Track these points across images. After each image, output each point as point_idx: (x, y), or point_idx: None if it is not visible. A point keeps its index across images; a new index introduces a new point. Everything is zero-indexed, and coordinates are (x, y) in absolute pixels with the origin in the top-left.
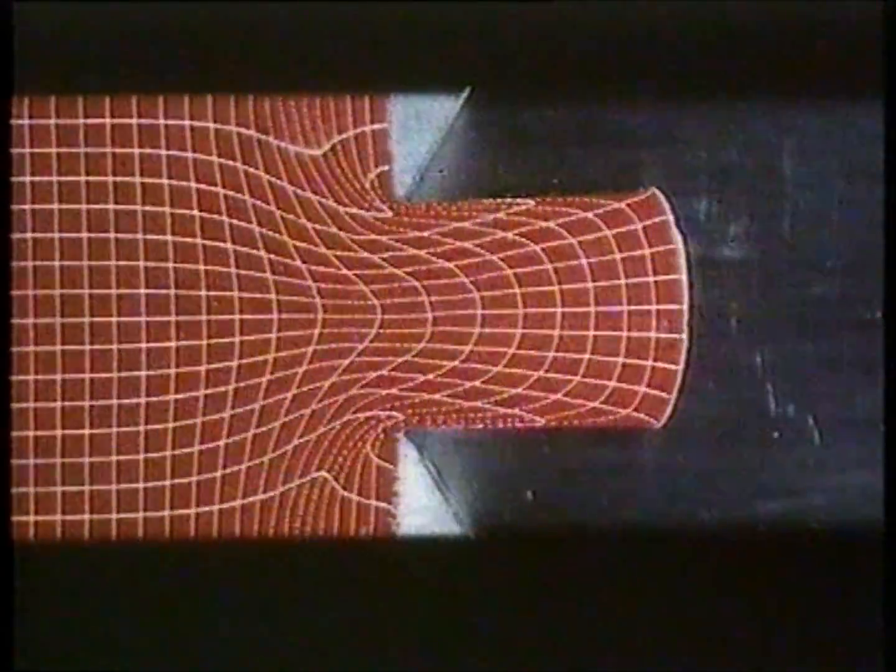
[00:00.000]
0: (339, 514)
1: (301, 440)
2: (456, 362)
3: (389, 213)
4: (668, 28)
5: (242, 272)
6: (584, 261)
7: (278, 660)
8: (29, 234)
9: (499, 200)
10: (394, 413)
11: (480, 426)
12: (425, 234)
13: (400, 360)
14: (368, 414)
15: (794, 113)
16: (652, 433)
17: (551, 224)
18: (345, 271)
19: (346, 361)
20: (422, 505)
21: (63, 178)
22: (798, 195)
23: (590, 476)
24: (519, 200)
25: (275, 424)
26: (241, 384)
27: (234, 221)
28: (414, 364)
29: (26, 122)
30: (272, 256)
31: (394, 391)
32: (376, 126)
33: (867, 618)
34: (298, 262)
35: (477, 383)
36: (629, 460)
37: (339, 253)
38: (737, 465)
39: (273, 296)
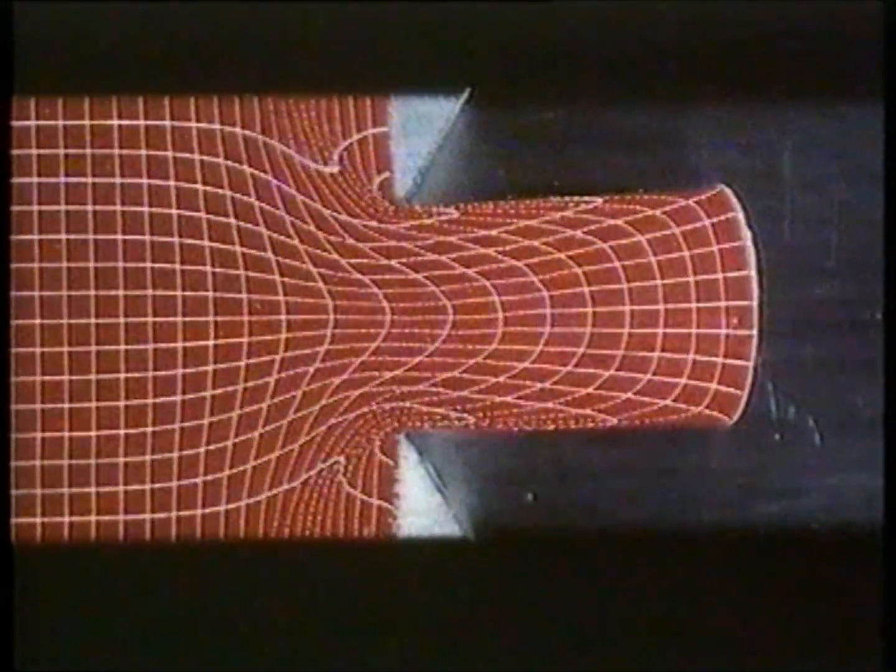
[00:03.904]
0: (345, 512)
1: (336, 420)
2: (526, 363)
3: (456, 214)
4: (668, 28)
5: (288, 280)
6: (652, 258)
7: (278, 660)
8: (63, 236)
9: (567, 198)
10: (465, 415)
11: (552, 427)
12: (493, 232)
13: (471, 361)
14: (435, 410)
15: (794, 113)
16: (652, 434)
17: (619, 222)
18: (413, 275)
19: (416, 360)
20: (422, 506)
21: (97, 180)
22: (798, 195)
23: (590, 477)
24: (587, 198)
25: (314, 408)
26: (283, 374)
27: (273, 234)
28: (485, 366)
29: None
30: (321, 270)
31: (465, 393)
32: (378, 129)
33: (867, 618)
34: (357, 275)
35: (547, 384)
36: (629, 461)
37: (403, 260)
38: (737, 466)
39: (328, 301)
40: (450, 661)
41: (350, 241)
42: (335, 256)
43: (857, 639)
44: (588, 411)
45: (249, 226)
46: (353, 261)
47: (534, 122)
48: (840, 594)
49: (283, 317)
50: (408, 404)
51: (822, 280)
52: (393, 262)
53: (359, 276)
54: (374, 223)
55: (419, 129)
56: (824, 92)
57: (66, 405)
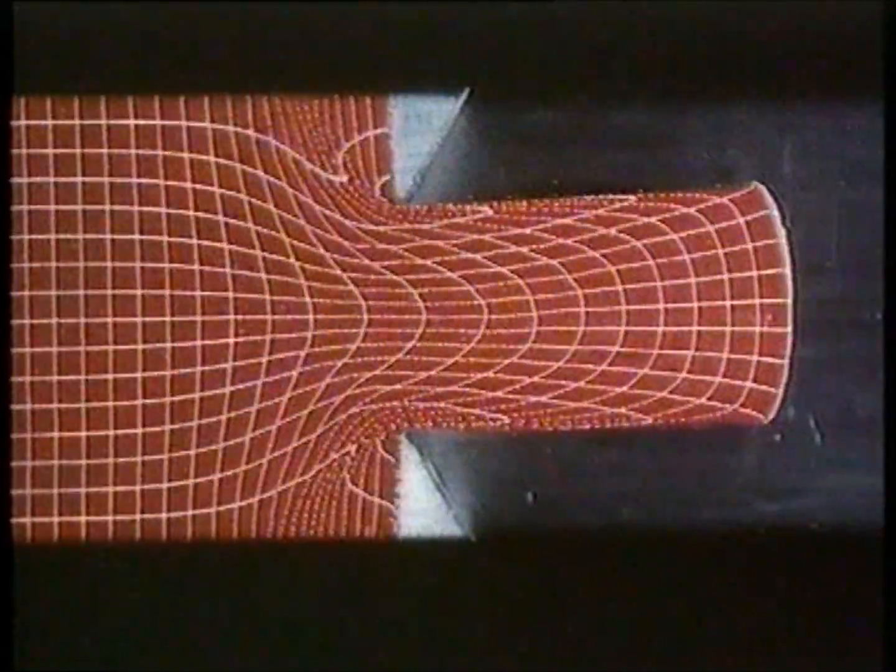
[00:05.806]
0: (347, 510)
1: (357, 409)
2: (561, 362)
3: (490, 212)
4: (667, 28)
5: (314, 284)
6: (686, 256)
7: (278, 660)
8: (81, 236)
9: (600, 196)
10: (499, 416)
11: (588, 427)
12: (527, 231)
13: (506, 361)
14: (470, 410)
15: (794, 113)
16: (652, 434)
17: (653, 220)
18: (448, 274)
19: (450, 361)
20: (422, 506)
21: (113, 179)
22: (798, 195)
23: (590, 477)
24: (621, 196)
25: (336, 399)
26: (306, 369)
27: (296, 243)
28: (520, 365)
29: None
30: (351, 274)
31: (499, 394)
32: (378, 130)
33: (867, 618)
34: (390, 275)
35: (582, 383)
36: (629, 460)
37: (437, 259)
38: (737, 466)
39: (361, 302)
40: (450, 661)
41: (381, 245)
42: (366, 261)
43: (857, 639)
44: (623, 410)
45: (269, 231)
46: (385, 263)
47: (534, 122)
48: (840, 594)
49: (310, 316)
50: (442, 405)
51: (822, 280)
52: (428, 262)
53: (392, 276)
54: (406, 224)
55: (419, 129)
56: (824, 92)
57: (83, 405)
